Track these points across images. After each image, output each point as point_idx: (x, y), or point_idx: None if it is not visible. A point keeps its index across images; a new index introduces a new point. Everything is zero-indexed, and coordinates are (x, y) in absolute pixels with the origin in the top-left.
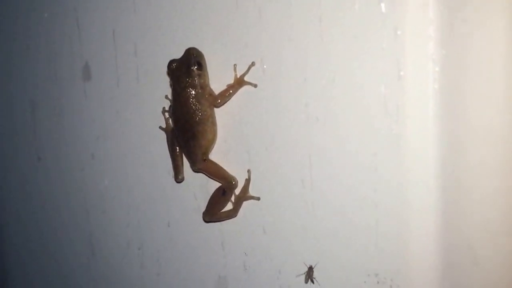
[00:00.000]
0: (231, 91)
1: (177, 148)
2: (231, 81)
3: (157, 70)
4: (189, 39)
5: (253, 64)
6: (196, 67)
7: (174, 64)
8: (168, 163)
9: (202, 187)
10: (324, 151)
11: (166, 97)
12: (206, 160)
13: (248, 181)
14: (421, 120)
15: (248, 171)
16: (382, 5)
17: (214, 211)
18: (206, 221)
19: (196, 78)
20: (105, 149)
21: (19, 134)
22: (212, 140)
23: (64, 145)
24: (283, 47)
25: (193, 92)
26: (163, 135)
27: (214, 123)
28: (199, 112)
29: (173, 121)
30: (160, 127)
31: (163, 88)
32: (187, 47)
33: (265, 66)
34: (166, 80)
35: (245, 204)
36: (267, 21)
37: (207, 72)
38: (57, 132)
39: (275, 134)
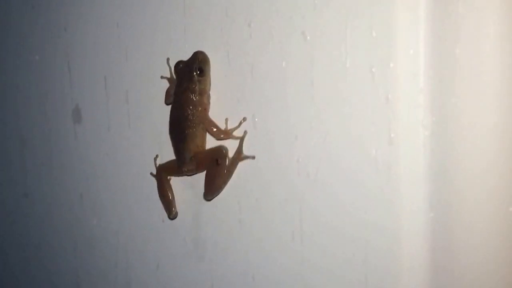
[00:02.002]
0: (217, 135)
1: (166, 186)
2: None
3: (149, 117)
4: None
5: (244, 119)
6: (198, 72)
7: (180, 66)
8: (157, 205)
9: (192, 230)
10: (315, 206)
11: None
12: (192, 158)
13: (241, 140)
14: (412, 181)
15: (245, 132)
16: (374, 70)
17: (214, 185)
18: (209, 200)
19: (196, 84)
20: (94, 190)
21: (6, 169)
22: (200, 146)
23: (53, 184)
24: (275, 105)
25: (191, 96)
26: (152, 177)
27: (204, 130)
28: (192, 116)
29: (169, 121)
30: (151, 174)
31: (155, 134)
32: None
33: (256, 119)
34: (158, 126)
35: (236, 250)
36: (260, 79)
37: (210, 79)
38: (45, 170)
39: (266, 187)
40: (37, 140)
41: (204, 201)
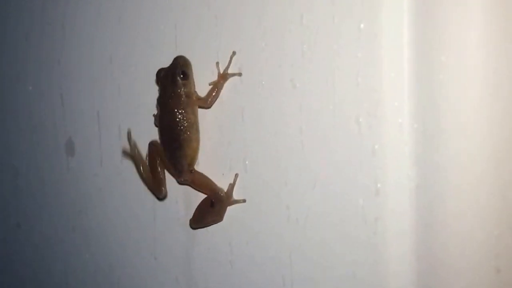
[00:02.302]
0: (217, 88)
1: (157, 163)
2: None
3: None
4: None
5: (234, 53)
6: (181, 76)
7: (162, 73)
8: (150, 243)
9: (184, 270)
10: (305, 251)
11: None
12: (193, 171)
13: (232, 185)
14: (399, 231)
15: (236, 175)
16: (361, 120)
17: (201, 221)
18: (193, 228)
19: (181, 88)
20: (86, 223)
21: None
22: (197, 149)
23: (45, 215)
24: (265, 150)
25: (179, 100)
26: (145, 214)
27: (197, 130)
28: (184, 120)
29: (159, 131)
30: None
31: None
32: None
33: (247, 162)
34: None
35: None
36: (250, 124)
37: (193, 80)
38: (38, 201)
39: (256, 230)
40: (30, 170)
41: (196, 241)
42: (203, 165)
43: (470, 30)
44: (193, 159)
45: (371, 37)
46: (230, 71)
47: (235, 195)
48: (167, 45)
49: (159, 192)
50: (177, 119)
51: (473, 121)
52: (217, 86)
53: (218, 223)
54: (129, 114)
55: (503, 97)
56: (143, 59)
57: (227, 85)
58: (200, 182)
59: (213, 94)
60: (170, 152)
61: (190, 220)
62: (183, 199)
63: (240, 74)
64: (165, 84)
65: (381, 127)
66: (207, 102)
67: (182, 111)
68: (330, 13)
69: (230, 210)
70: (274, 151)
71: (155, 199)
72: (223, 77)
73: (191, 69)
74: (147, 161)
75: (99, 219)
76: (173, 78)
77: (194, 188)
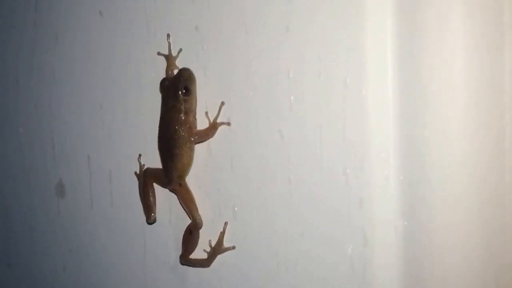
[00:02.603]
0: (207, 135)
1: (150, 190)
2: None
3: (132, 198)
4: None
5: (222, 104)
6: (183, 91)
7: (166, 83)
8: (141, 284)
9: None
10: None
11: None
12: (181, 185)
13: (222, 234)
14: (387, 283)
15: (225, 223)
16: (348, 171)
17: (187, 254)
18: (182, 264)
19: (181, 103)
20: (77, 264)
21: None
22: (188, 165)
23: (36, 255)
24: (254, 198)
25: (177, 116)
26: (136, 256)
27: (191, 149)
28: (178, 136)
29: (158, 136)
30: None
31: (137, 214)
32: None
33: (236, 209)
34: (140, 207)
35: None
36: (239, 172)
37: (195, 97)
38: (29, 241)
39: (247, 277)
40: (21, 211)
41: (186, 285)
42: None
43: (455, 90)
44: (182, 173)
45: (357, 92)
46: (219, 120)
47: (226, 242)
48: (158, 93)
49: (148, 216)
50: (172, 134)
51: (459, 172)
52: (207, 133)
53: (209, 269)
54: (120, 160)
55: (488, 149)
56: (134, 106)
57: (216, 133)
58: (183, 198)
59: (202, 136)
60: (164, 160)
61: (179, 255)
62: (173, 240)
63: (229, 124)
64: (167, 95)
65: (368, 179)
66: (194, 137)
67: (178, 127)
68: (316, 68)
69: (220, 256)
70: (262, 199)
71: (145, 242)
72: (213, 126)
73: (195, 85)
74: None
75: (90, 260)
76: (175, 92)
77: (179, 200)
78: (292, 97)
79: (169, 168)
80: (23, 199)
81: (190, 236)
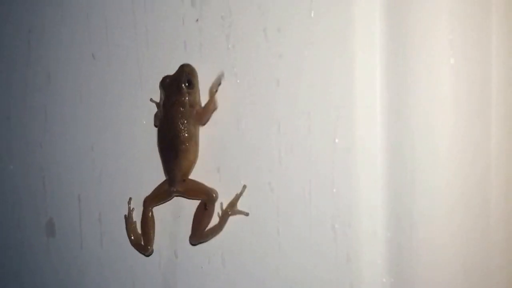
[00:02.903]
0: (209, 108)
1: (150, 219)
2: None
3: (121, 238)
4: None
5: (222, 74)
6: (186, 85)
7: (167, 80)
8: None
9: None
10: None
11: (151, 100)
12: (185, 180)
13: (238, 196)
14: None
15: (244, 186)
16: (336, 226)
17: (199, 231)
18: (193, 244)
19: (186, 96)
20: None
21: None
22: (193, 161)
23: None
24: (243, 249)
25: (182, 109)
26: None
27: (197, 143)
28: (185, 131)
29: (158, 138)
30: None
31: (127, 255)
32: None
33: (225, 258)
34: (130, 249)
35: None
36: (230, 221)
37: (199, 90)
38: (18, 279)
39: None
40: (10, 248)
41: None
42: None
43: (443, 150)
44: (187, 171)
45: (345, 151)
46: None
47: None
48: (149, 138)
49: (146, 250)
50: (178, 129)
51: (445, 230)
52: (209, 107)
53: None
54: (110, 201)
55: (475, 205)
56: (125, 149)
57: (206, 178)
58: (193, 190)
59: (208, 110)
60: (166, 159)
61: (189, 236)
62: (162, 281)
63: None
64: (169, 92)
65: (356, 235)
66: (203, 118)
67: (184, 121)
68: (306, 125)
69: None
70: (251, 250)
71: (134, 283)
72: (211, 95)
73: (197, 79)
74: (135, 220)
75: None
76: (178, 86)
77: (187, 198)
78: (282, 151)
79: (173, 167)
80: (12, 236)
81: (206, 211)
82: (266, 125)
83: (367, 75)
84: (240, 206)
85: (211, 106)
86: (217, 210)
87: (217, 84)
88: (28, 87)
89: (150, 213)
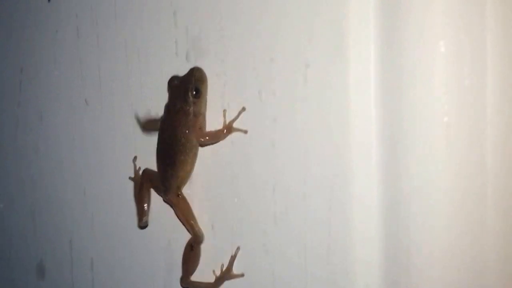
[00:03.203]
0: (219, 137)
1: (146, 192)
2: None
3: (114, 285)
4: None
5: (243, 109)
6: (194, 93)
7: (174, 82)
8: None
9: None
10: None
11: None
12: (180, 195)
13: (233, 258)
14: None
15: (237, 248)
16: None
17: (188, 272)
18: (183, 287)
19: (191, 105)
20: None
21: None
22: (189, 172)
23: None
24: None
25: (185, 118)
26: None
27: (196, 155)
28: (185, 140)
29: (158, 138)
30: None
31: None
32: None
33: None
34: None
35: None
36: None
37: (206, 100)
38: None
39: None
40: None
41: None
42: None
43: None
44: (183, 181)
45: (341, 220)
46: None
47: None
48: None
49: (139, 220)
50: (178, 138)
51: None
52: (219, 135)
53: None
54: (102, 248)
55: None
56: (116, 195)
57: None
58: (182, 210)
59: (213, 137)
60: (163, 166)
61: (180, 278)
62: None
63: (246, 132)
64: (175, 96)
65: None
66: (203, 138)
67: (185, 131)
68: (301, 189)
69: None
70: None
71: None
72: (229, 128)
73: (206, 86)
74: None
75: None
76: (185, 93)
77: (175, 213)
78: (277, 213)
79: (168, 176)
80: (2, 276)
81: (192, 252)
82: (261, 186)
83: (363, 142)
84: (235, 266)
85: (220, 137)
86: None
87: (236, 118)
88: (20, 125)
89: (145, 186)
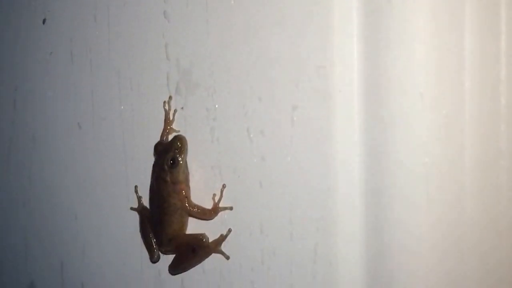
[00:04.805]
0: (205, 214)
1: (149, 225)
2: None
3: None
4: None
5: (224, 186)
6: (170, 163)
7: (158, 148)
8: None
9: None
10: None
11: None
12: (171, 240)
13: (224, 237)
14: None
15: (229, 230)
16: None
17: (180, 267)
18: (172, 274)
19: (167, 174)
20: None
21: None
22: (180, 230)
23: None
24: None
25: (164, 184)
26: None
27: (182, 216)
28: (167, 204)
29: (149, 197)
30: (131, 208)
31: None
32: None
33: None
34: None
35: None
36: None
37: (184, 168)
38: None
39: None
40: None
41: None
42: None
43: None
44: (173, 237)
45: (326, 264)
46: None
47: None
48: (131, 211)
49: (151, 255)
50: (162, 200)
51: None
52: (204, 213)
53: None
54: (93, 272)
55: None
56: (109, 219)
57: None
58: (182, 245)
59: (198, 213)
60: (153, 222)
61: (169, 266)
62: None
63: (231, 208)
64: (156, 162)
65: None
66: (189, 207)
67: (165, 196)
68: (288, 231)
69: None
70: None
71: None
72: (214, 209)
73: (185, 155)
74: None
75: None
76: (162, 163)
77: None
78: (264, 253)
79: (158, 232)
80: None
81: (192, 254)
82: (248, 225)
83: (348, 184)
84: None
85: (207, 215)
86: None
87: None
88: (13, 145)
89: (147, 221)
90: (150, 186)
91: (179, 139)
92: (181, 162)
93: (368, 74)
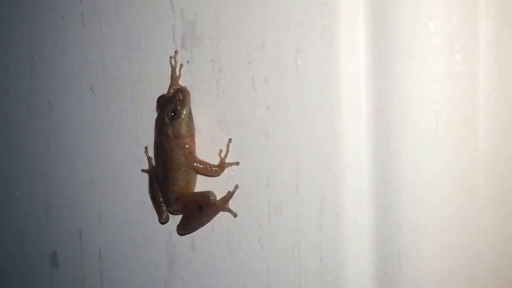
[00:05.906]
0: (210, 172)
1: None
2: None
3: (122, 276)
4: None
5: (230, 141)
6: (171, 115)
7: (161, 101)
8: None
9: None
10: None
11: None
12: (178, 198)
13: (231, 194)
14: None
15: (236, 186)
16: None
17: (189, 226)
18: (181, 235)
19: (169, 127)
20: None
21: None
22: (186, 188)
23: None
24: None
25: (166, 139)
26: None
27: (188, 172)
28: (171, 160)
29: (153, 153)
30: (142, 170)
31: None
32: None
33: None
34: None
35: None
36: (221, 274)
37: (187, 121)
38: None
39: None
40: (15, 275)
41: None
42: None
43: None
44: (180, 195)
45: (333, 214)
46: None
47: None
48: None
49: (160, 215)
50: (165, 155)
51: None
52: (209, 170)
53: None
54: (109, 239)
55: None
56: (121, 183)
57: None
58: (189, 201)
59: (203, 169)
60: (160, 180)
61: (178, 226)
62: None
63: (237, 163)
64: (160, 115)
65: None
66: (194, 162)
67: (169, 150)
68: (294, 182)
69: None
70: None
71: None
72: (221, 165)
73: (187, 107)
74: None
75: None
76: (163, 118)
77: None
78: (271, 207)
79: (165, 190)
80: (17, 266)
81: (199, 212)
82: (255, 180)
83: (355, 131)
84: (231, 262)
85: (212, 172)
86: None
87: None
88: (31, 114)
89: (156, 182)
90: (154, 142)
91: (181, 90)
92: (183, 114)
93: (376, 11)
